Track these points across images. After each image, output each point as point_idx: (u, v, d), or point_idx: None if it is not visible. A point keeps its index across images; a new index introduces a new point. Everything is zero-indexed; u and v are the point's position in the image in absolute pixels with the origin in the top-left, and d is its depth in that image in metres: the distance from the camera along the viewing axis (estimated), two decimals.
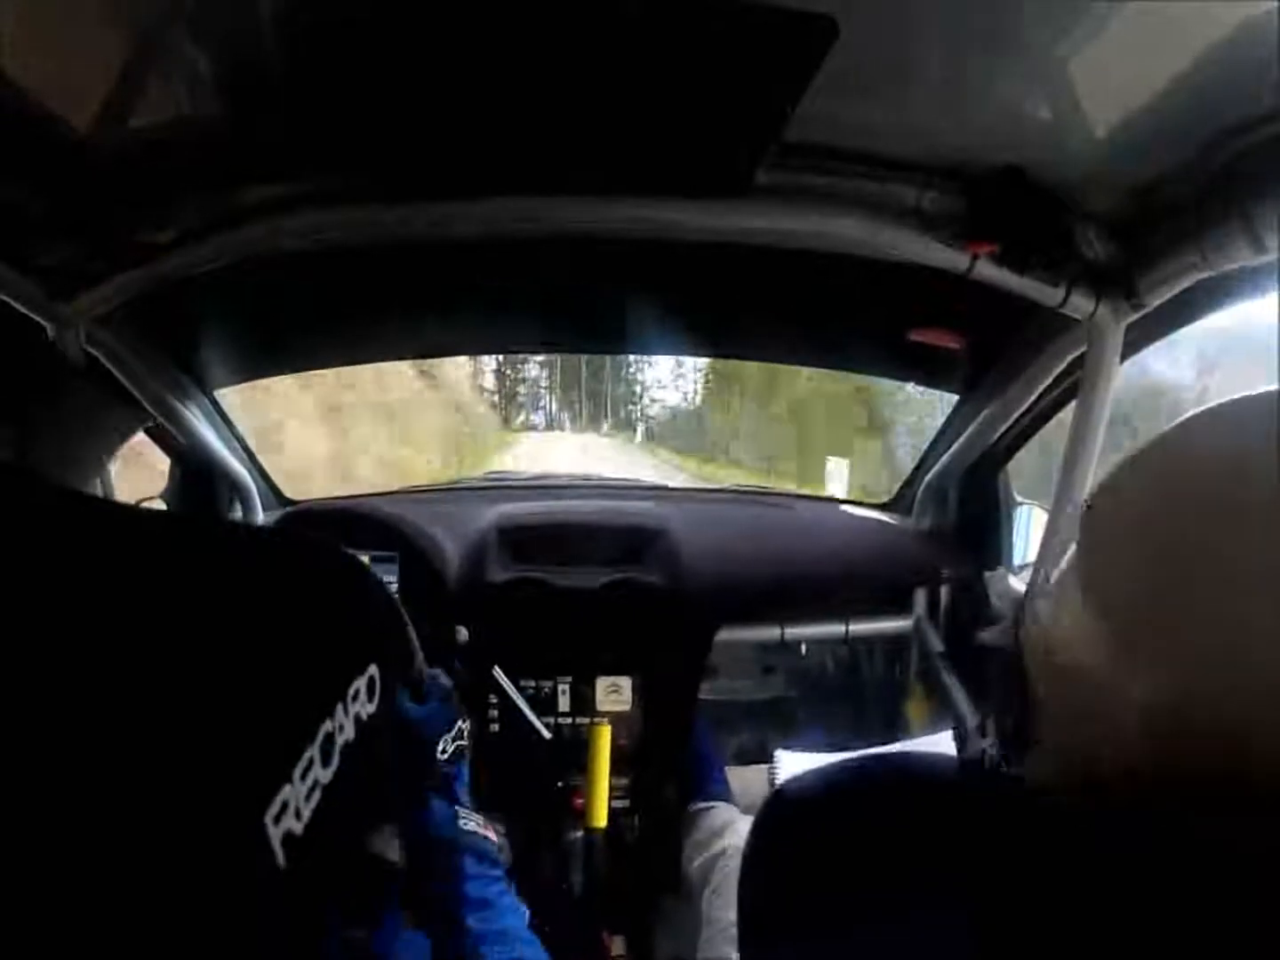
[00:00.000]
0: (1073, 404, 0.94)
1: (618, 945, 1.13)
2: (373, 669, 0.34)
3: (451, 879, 0.74)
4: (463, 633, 1.20)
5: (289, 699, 0.30)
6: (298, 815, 0.28)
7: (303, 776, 0.29)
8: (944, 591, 1.34)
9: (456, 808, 0.80)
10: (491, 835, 0.79)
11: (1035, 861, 0.30)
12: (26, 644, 0.25)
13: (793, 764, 0.86)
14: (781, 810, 0.38)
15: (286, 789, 0.28)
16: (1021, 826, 0.32)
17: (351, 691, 0.32)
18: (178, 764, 0.26)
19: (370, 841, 0.37)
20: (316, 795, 0.29)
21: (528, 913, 0.78)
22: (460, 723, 0.83)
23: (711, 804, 1.02)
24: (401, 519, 1.29)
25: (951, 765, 0.37)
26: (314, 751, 0.29)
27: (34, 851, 0.23)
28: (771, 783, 0.92)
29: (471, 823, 0.80)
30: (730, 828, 0.94)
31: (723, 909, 0.82)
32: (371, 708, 0.33)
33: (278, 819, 0.27)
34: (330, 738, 0.30)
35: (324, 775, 0.30)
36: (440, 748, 0.84)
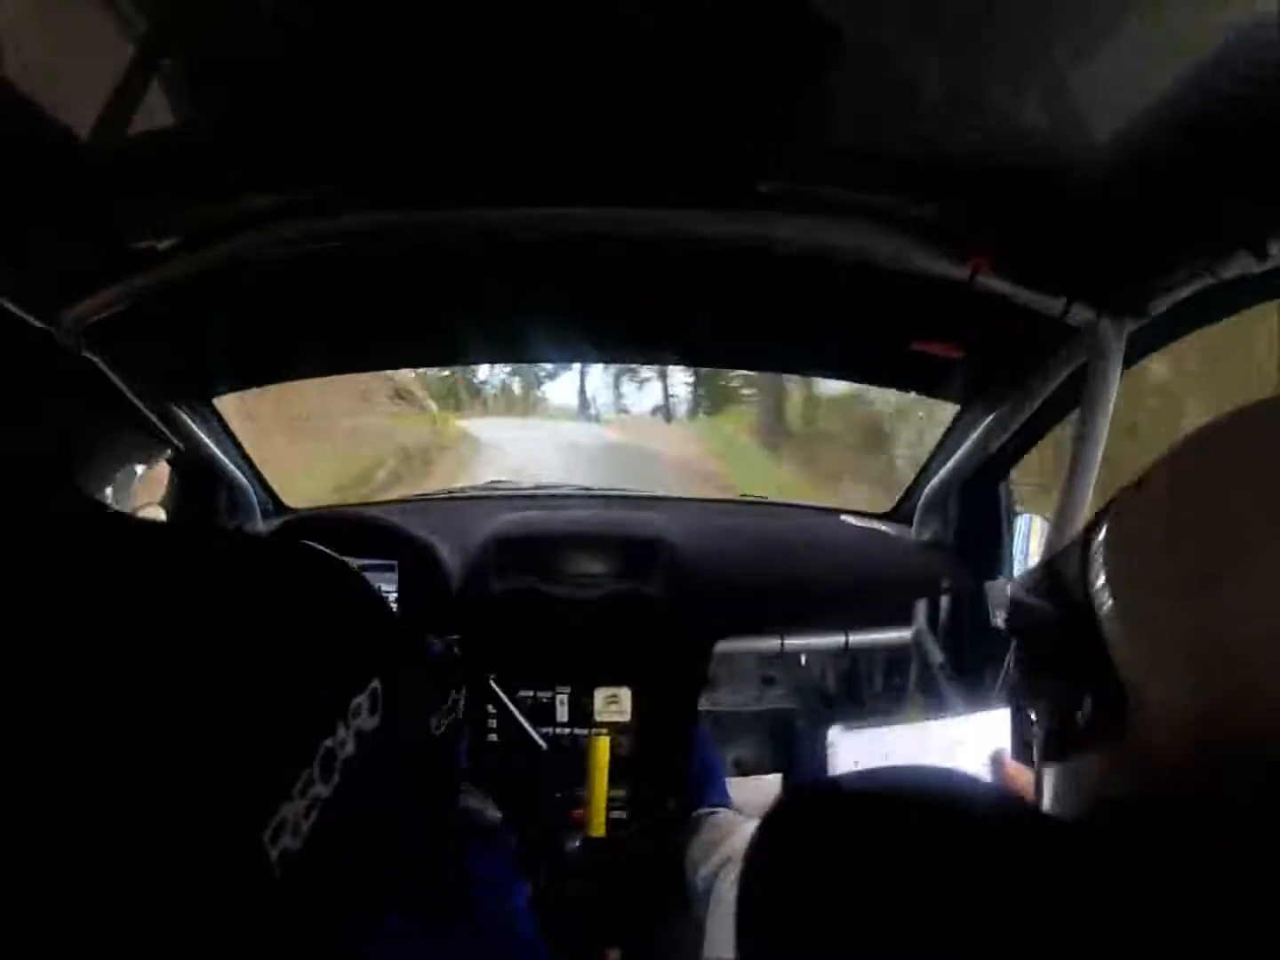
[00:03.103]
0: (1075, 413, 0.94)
1: (616, 956, 1.12)
2: (375, 683, 0.33)
3: (460, 862, 0.71)
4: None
5: (287, 717, 0.29)
6: (295, 832, 0.27)
7: (302, 794, 0.28)
8: (944, 602, 1.33)
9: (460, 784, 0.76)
10: (489, 810, 0.75)
11: (1044, 883, 0.30)
12: (19, 661, 0.24)
13: (849, 743, 0.80)
14: (793, 811, 0.37)
15: (285, 807, 0.27)
16: (1034, 849, 0.32)
17: (352, 707, 0.32)
18: (174, 784, 0.25)
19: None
20: (316, 812, 0.29)
21: (526, 888, 0.75)
22: (454, 694, 0.78)
23: (714, 810, 1.01)
24: (401, 527, 1.29)
25: (970, 783, 0.36)
26: (314, 769, 0.29)
27: (33, 867, 0.23)
28: (825, 764, 0.85)
29: (473, 800, 0.75)
30: (735, 833, 0.92)
31: (726, 916, 0.81)
32: (375, 721, 0.33)
33: (275, 837, 0.27)
34: (331, 754, 0.30)
35: (324, 791, 0.29)
36: (434, 723, 0.80)
